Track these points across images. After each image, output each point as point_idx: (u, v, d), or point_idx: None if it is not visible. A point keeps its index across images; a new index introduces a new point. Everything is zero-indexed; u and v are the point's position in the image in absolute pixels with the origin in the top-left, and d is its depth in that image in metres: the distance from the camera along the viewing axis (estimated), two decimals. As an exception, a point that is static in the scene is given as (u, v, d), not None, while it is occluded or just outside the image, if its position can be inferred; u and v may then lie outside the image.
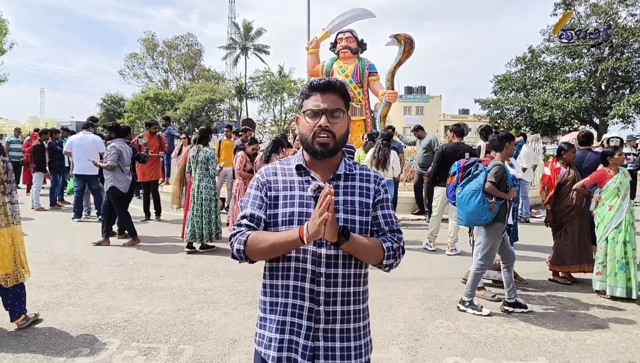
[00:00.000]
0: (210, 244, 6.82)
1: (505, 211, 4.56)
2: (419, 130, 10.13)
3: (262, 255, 1.59)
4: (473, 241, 4.94)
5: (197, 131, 7.54)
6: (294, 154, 1.84)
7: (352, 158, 5.50)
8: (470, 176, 4.62)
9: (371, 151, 7.61)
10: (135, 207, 9.62)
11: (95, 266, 5.89)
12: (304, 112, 1.63)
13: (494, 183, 4.43)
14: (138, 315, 4.25)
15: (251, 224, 1.61)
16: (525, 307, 4.51)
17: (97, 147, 8.59)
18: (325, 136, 1.58)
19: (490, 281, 5.34)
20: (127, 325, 4.00)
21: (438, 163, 6.85)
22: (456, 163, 4.92)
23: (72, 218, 8.91)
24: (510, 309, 4.48)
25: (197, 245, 6.81)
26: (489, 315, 4.39)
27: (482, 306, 4.49)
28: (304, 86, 1.67)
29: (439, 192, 6.91)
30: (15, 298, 3.84)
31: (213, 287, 5.11)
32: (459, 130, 6.99)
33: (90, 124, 9.23)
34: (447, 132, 7.40)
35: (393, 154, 7.59)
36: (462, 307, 4.51)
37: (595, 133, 16.64)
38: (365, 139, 8.49)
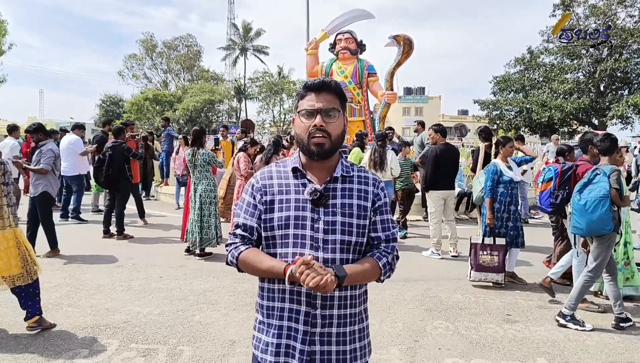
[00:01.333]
0: (208, 251, 6.54)
1: (620, 220, 4.29)
2: (419, 125, 10.42)
3: (251, 274, 1.65)
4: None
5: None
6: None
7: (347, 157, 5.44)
8: (587, 181, 4.29)
9: (368, 153, 7.60)
10: (132, 207, 9.61)
11: (93, 267, 5.88)
12: (299, 112, 1.62)
13: (618, 189, 4.17)
14: (137, 316, 4.25)
15: (245, 234, 1.65)
16: (630, 320, 4.32)
17: (72, 148, 8.73)
18: (321, 135, 1.56)
19: (490, 284, 5.34)
20: (126, 326, 4.00)
21: (433, 167, 6.68)
22: (551, 168, 4.74)
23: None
24: (624, 324, 4.23)
25: (196, 250, 6.52)
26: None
27: (584, 322, 4.21)
28: (299, 86, 1.66)
29: (436, 196, 6.75)
30: (28, 298, 3.82)
31: (212, 288, 5.11)
32: (443, 129, 6.96)
33: (78, 126, 9.41)
34: (429, 133, 7.14)
35: (391, 154, 7.56)
36: (562, 321, 4.23)
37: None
38: (355, 141, 8.46)
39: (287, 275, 1.48)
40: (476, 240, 5.45)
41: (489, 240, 5.37)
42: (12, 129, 9.73)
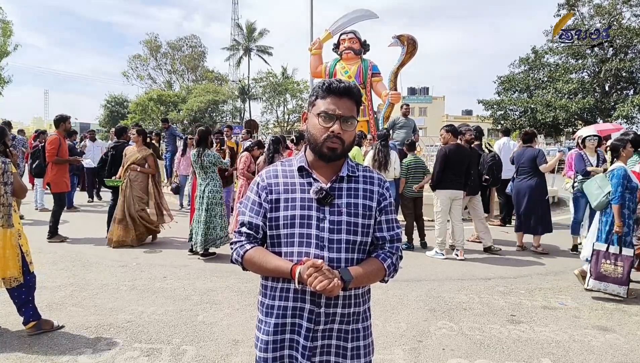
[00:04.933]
0: (211, 251, 6.51)
1: None
2: (407, 107, 10.67)
3: (257, 273, 1.65)
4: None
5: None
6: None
7: None
8: None
9: (371, 153, 7.58)
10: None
11: (98, 267, 5.89)
12: (317, 113, 1.60)
13: None
14: (141, 315, 4.26)
15: (250, 232, 1.64)
16: None
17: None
18: (336, 142, 1.57)
19: (609, 296, 5.04)
20: (130, 326, 4.01)
21: (441, 166, 6.65)
22: None
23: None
24: None
25: (200, 251, 6.48)
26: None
27: None
28: (319, 83, 1.64)
29: (442, 196, 6.72)
30: (21, 304, 3.78)
31: (216, 288, 5.11)
32: (454, 130, 6.91)
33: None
34: (441, 133, 7.11)
35: (393, 154, 7.55)
36: None
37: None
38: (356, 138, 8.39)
39: (296, 277, 1.49)
40: (599, 247, 5.09)
41: (614, 249, 4.99)
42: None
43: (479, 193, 7.47)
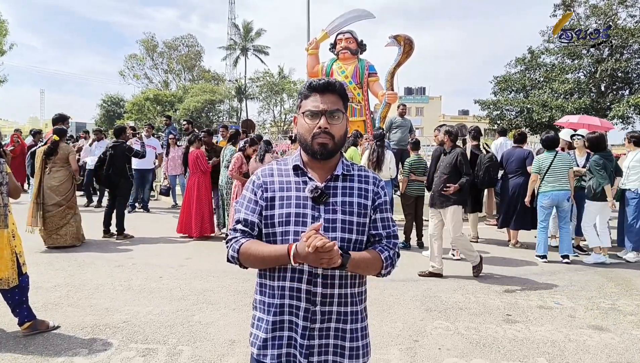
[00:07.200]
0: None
1: None
2: (404, 107, 11.16)
3: (254, 265, 1.62)
4: None
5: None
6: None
7: None
8: None
9: (366, 153, 7.58)
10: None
11: (94, 267, 5.88)
12: (303, 113, 1.62)
13: None
14: (136, 315, 4.25)
15: (245, 229, 1.63)
16: None
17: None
18: (325, 137, 1.57)
19: None
20: (126, 326, 4.00)
21: (434, 167, 6.57)
22: None
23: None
24: None
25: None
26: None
27: None
28: (302, 86, 1.66)
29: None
30: (15, 305, 3.77)
31: (212, 288, 5.10)
32: (454, 134, 6.88)
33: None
34: (435, 134, 7.03)
35: (389, 154, 7.55)
36: None
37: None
38: (350, 139, 8.35)
39: (292, 253, 1.46)
40: None
41: None
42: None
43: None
